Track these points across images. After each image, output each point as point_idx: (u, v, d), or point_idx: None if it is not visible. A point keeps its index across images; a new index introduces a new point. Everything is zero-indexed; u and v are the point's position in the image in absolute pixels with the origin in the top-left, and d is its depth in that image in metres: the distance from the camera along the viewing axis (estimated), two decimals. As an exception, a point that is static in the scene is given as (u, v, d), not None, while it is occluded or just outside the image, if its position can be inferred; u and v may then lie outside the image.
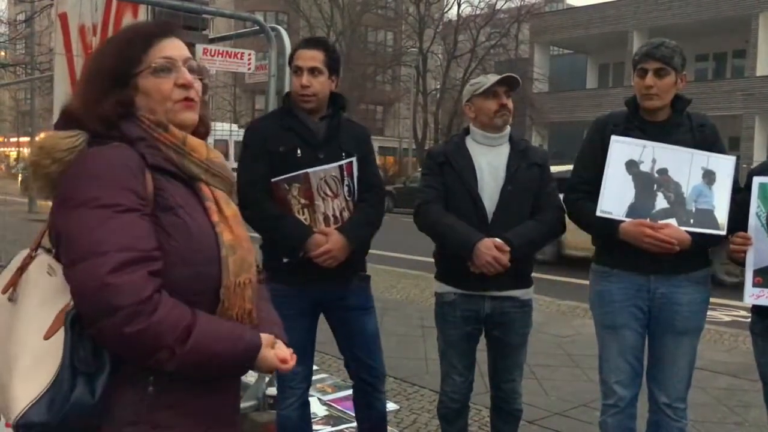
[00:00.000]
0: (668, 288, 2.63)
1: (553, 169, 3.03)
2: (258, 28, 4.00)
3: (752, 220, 2.49)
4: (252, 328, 1.47)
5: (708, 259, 2.73)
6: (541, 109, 28.92)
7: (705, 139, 2.67)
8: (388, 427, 3.07)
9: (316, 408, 3.88)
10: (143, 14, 3.73)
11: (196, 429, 1.40)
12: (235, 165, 2.57)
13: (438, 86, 32.65)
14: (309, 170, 2.65)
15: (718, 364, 5.15)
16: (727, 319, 6.99)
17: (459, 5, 33.31)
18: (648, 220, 2.55)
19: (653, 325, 2.68)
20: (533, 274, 2.91)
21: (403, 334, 5.82)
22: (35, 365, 1.26)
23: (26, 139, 37.39)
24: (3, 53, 26.81)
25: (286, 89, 3.26)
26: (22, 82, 21.54)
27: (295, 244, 2.64)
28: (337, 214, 2.71)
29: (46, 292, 1.32)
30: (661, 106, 2.65)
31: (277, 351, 1.45)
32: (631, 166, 2.60)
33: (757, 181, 2.51)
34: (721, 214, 2.56)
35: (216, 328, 1.35)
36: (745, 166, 7.96)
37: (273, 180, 2.67)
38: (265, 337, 1.44)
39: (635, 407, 2.73)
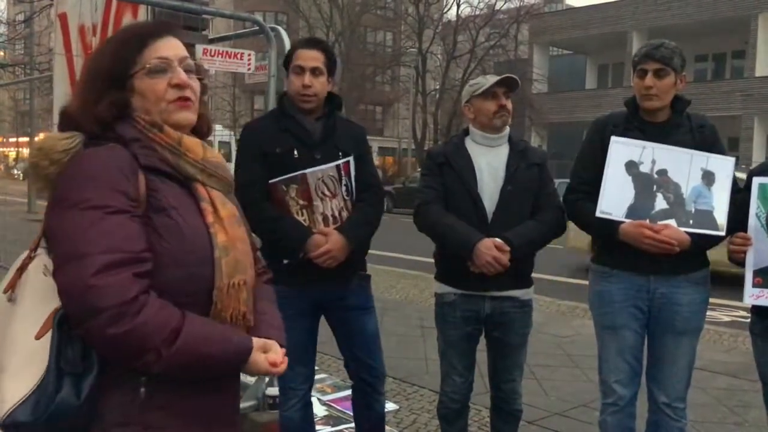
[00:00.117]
0: (668, 288, 2.63)
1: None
2: (258, 28, 4.00)
3: (752, 221, 2.49)
4: (247, 330, 1.46)
5: (707, 260, 2.73)
6: (541, 109, 28.89)
7: (705, 139, 2.67)
8: (388, 428, 3.07)
9: (316, 408, 3.86)
10: (143, 14, 3.73)
11: (190, 429, 1.39)
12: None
13: (437, 87, 32.61)
14: (306, 171, 2.65)
15: (717, 364, 5.15)
16: (727, 319, 6.99)
17: (458, 6, 33.13)
18: (647, 220, 2.55)
19: (653, 325, 2.68)
20: (533, 274, 2.92)
21: (403, 334, 5.82)
22: (25, 365, 1.26)
23: (25, 139, 37.40)
24: (2, 53, 26.79)
25: (286, 89, 3.26)
26: (21, 83, 21.51)
27: (294, 246, 2.64)
28: (336, 214, 2.71)
29: (40, 293, 1.32)
30: (661, 106, 2.65)
31: (269, 355, 1.43)
32: (631, 166, 2.60)
33: (756, 181, 2.51)
34: (721, 215, 2.56)
35: (205, 330, 1.34)
36: (744, 166, 7.99)
37: (270, 181, 2.66)
38: (257, 341, 1.43)
39: (634, 406, 2.74)
